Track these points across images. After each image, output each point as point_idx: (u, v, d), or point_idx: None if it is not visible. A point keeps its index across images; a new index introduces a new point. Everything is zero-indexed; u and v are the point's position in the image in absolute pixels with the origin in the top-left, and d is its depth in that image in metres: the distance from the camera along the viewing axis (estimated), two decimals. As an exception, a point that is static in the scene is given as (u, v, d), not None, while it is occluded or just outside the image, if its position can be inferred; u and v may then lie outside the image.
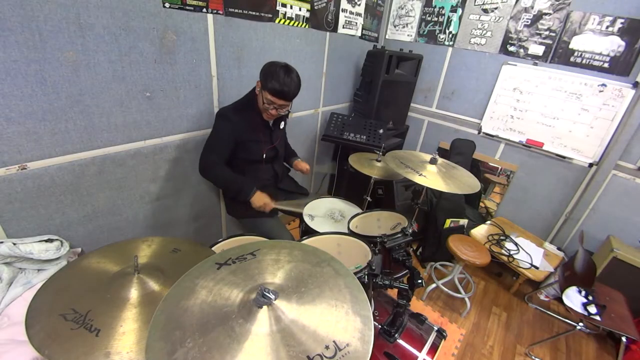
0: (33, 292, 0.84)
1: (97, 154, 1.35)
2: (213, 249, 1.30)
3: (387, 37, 2.94)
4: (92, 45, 1.19)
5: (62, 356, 0.67)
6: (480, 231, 2.49)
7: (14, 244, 1.11)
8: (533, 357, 1.92)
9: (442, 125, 2.89)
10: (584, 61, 2.10)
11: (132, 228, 1.62)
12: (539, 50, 2.24)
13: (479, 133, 2.66)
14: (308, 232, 1.56)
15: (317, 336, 0.63)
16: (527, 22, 2.22)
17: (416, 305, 2.16)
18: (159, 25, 1.35)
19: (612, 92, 2.04)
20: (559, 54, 2.17)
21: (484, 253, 2.03)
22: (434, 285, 2.21)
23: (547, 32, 2.18)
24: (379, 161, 2.03)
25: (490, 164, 2.71)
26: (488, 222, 2.64)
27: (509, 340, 2.02)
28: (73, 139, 1.26)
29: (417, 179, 1.57)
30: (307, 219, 1.61)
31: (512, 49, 2.34)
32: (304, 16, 2.00)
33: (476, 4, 2.39)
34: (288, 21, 1.92)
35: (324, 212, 1.74)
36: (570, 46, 2.12)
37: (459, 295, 2.14)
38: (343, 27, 2.38)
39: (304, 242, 1.36)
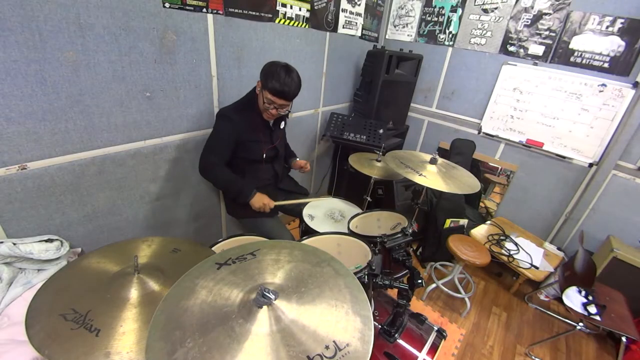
0: (33, 292, 0.84)
1: (97, 154, 1.35)
2: (213, 249, 1.30)
3: (387, 37, 2.94)
4: (92, 45, 1.19)
5: (62, 356, 0.67)
6: (480, 231, 2.49)
7: (14, 244, 1.11)
8: (533, 357, 1.92)
9: (442, 125, 2.89)
10: (584, 61, 2.10)
11: (132, 228, 1.62)
12: (539, 50, 2.24)
13: (479, 133, 2.66)
14: (308, 232, 1.56)
15: (317, 336, 0.63)
16: (527, 22, 2.22)
17: (416, 305, 2.16)
18: (159, 25, 1.35)
19: (612, 92, 2.04)
20: (559, 54, 2.17)
21: (484, 253, 2.03)
22: (434, 285, 2.21)
23: (547, 32, 2.18)
24: (379, 161, 2.03)
25: (490, 164, 2.71)
26: (488, 222, 2.64)
27: (509, 340, 2.02)
28: (73, 139, 1.26)
29: (417, 179, 1.57)
30: (307, 219, 1.61)
31: (512, 49, 2.34)
32: (304, 16, 2.00)
33: (476, 4, 2.39)
34: (288, 21, 1.92)
35: (324, 212, 1.74)
36: (570, 46, 2.12)
37: (459, 295, 2.14)
38: (343, 27, 2.38)
39: (304, 242, 1.36)
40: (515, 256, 2.25)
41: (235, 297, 0.70)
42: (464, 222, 2.45)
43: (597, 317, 1.70)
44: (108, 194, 1.45)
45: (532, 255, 2.27)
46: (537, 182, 2.51)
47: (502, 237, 2.41)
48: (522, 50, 2.30)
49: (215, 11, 1.52)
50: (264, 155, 1.65)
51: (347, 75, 2.74)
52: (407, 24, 2.79)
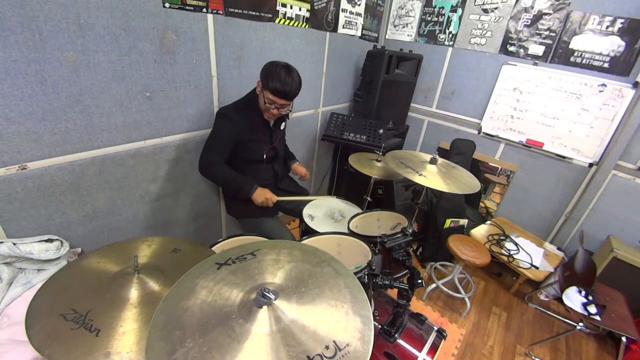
0: (33, 292, 0.84)
1: (97, 154, 1.35)
2: (213, 249, 1.30)
3: (387, 37, 2.94)
4: (92, 45, 1.19)
5: (62, 356, 0.67)
6: (480, 231, 2.49)
7: (14, 244, 1.11)
8: (533, 357, 1.92)
9: (442, 125, 2.89)
10: (584, 61, 2.10)
11: (132, 228, 1.62)
12: (539, 50, 2.24)
13: (479, 133, 2.66)
14: (308, 232, 1.56)
15: (317, 336, 0.63)
16: (527, 22, 2.22)
17: (416, 305, 2.16)
18: (159, 25, 1.35)
19: (612, 92, 2.04)
20: (559, 54, 2.17)
21: (484, 253, 2.03)
22: (434, 285, 2.21)
23: (547, 32, 2.18)
24: (379, 161, 2.03)
25: (490, 164, 2.71)
26: (488, 222, 2.64)
27: (509, 340, 2.02)
28: (73, 139, 1.26)
29: (417, 179, 1.57)
30: (307, 219, 1.61)
31: (512, 49, 2.34)
32: (304, 16, 2.00)
33: (476, 4, 2.39)
34: (288, 21, 1.92)
35: (324, 212, 1.74)
36: (570, 46, 2.12)
37: (459, 295, 2.14)
38: (343, 27, 2.38)
39: (304, 242, 1.36)
40: (515, 256, 2.25)
41: (235, 297, 0.70)
42: (464, 222, 2.45)
43: (597, 317, 1.70)
44: (108, 194, 1.45)
45: (532, 255, 2.27)
46: (537, 182, 2.51)
47: (502, 237, 2.41)
48: (522, 50, 2.30)
49: (215, 11, 1.52)
50: (264, 155, 1.65)
51: (347, 75, 2.74)
52: (407, 24, 2.79)
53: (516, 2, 2.23)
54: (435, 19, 2.62)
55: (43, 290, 0.83)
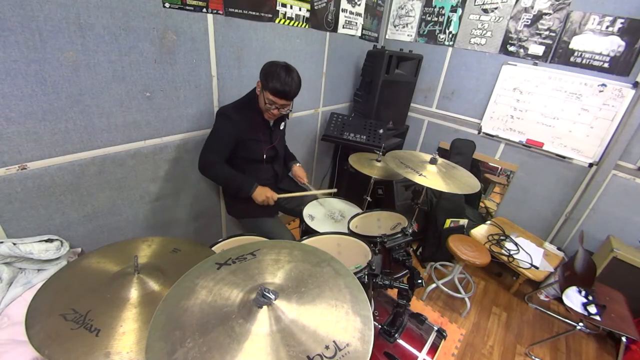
0: (33, 292, 0.84)
1: (97, 154, 1.35)
2: (213, 249, 1.30)
3: (387, 37, 2.94)
4: (92, 45, 1.19)
5: (62, 356, 0.67)
6: (480, 231, 2.49)
7: (14, 244, 1.11)
8: (533, 357, 1.92)
9: (442, 125, 2.89)
10: (584, 61, 2.10)
11: (132, 228, 1.62)
12: (539, 50, 2.24)
13: (479, 133, 2.66)
14: (308, 232, 1.56)
15: (317, 336, 0.63)
16: (527, 22, 2.22)
17: (416, 305, 2.16)
18: (159, 25, 1.35)
19: (612, 92, 2.04)
20: (559, 54, 2.17)
21: (484, 253, 2.03)
22: (434, 285, 2.21)
23: (547, 32, 2.18)
24: (379, 161, 2.03)
25: (490, 164, 2.71)
26: (488, 222, 2.64)
27: (509, 340, 2.02)
28: (73, 139, 1.26)
29: (417, 179, 1.57)
30: (307, 219, 1.61)
31: (512, 49, 2.34)
32: (304, 16, 2.00)
33: (476, 4, 2.39)
34: (288, 21, 1.92)
35: (324, 212, 1.74)
36: (570, 46, 2.12)
37: (459, 295, 2.14)
38: (343, 27, 2.38)
39: (304, 242, 1.36)
40: (515, 256, 2.25)
41: (235, 297, 0.70)
42: (464, 222, 2.45)
43: (597, 317, 1.70)
44: (108, 194, 1.45)
45: (532, 255, 2.27)
46: (537, 182, 2.51)
47: (502, 237, 2.41)
48: (522, 50, 2.30)
49: (215, 11, 1.52)
50: (264, 155, 1.65)
51: (347, 75, 2.74)
52: (407, 24, 2.79)
53: (516, 2, 2.23)
54: (435, 19, 2.62)
55: (43, 290, 0.83)
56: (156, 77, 1.42)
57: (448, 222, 2.37)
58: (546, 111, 2.31)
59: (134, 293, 0.82)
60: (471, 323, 2.10)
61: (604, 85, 2.06)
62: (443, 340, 1.20)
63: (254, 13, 1.70)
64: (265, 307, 0.66)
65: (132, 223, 1.61)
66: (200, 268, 0.79)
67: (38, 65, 1.09)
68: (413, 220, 2.18)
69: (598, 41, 2.03)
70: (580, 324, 1.81)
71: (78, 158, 1.29)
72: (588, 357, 1.99)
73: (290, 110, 1.60)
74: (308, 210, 1.69)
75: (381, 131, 2.41)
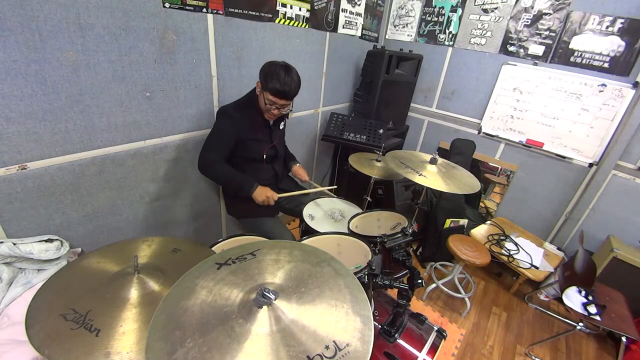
0: (33, 292, 0.84)
1: (97, 154, 1.35)
2: (213, 249, 1.30)
3: (387, 37, 2.94)
4: (92, 45, 1.19)
5: (62, 356, 0.67)
6: (480, 231, 2.49)
7: (14, 244, 1.11)
8: (533, 357, 1.92)
9: (442, 125, 2.89)
10: (584, 61, 2.10)
11: (132, 228, 1.62)
12: (539, 50, 2.24)
13: (479, 133, 2.66)
14: (308, 232, 1.56)
15: (317, 336, 0.63)
16: (527, 22, 2.22)
17: (416, 305, 2.16)
18: (159, 25, 1.35)
19: (612, 92, 2.04)
20: (559, 54, 2.17)
21: (484, 253, 2.03)
22: (434, 285, 2.21)
23: (547, 32, 2.18)
24: (379, 161, 2.03)
25: (490, 164, 2.71)
26: (488, 222, 2.64)
27: (509, 340, 2.02)
28: (73, 139, 1.26)
29: (417, 179, 1.57)
30: (307, 219, 1.61)
31: (512, 49, 2.34)
32: (304, 16, 2.00)
33: (476, 4, 2.39)
34: (288, 21, 1.92)
35: (324, 212, 1.74)
36: (570, 46, 2.12)
37: (459, 295, 2.14)
38: (343, 27, 2.38)
39: (304, 242, 1.36)
40: (515, 256, 2.25)
41: (235, 297, 0.70)
42: (464, 222, 2.45)
43: (597, 317, 1.70)
44: (108, 194, 1.45)
45: (532, 255, 2.27)
46: (537, 182, 2.51)
47: (502, 237, 2.41)
48: (522, 50, 2.30)
49: (215, 11, 1.52)
50: (264, 154, 1.65)
51: (347, 75, 2.74)
52: (407, 24, 2.79)
53: (516, 2, 2.23)
54: (435, 19, 2.62)
55: (43, 290, 0.83)
56: (156, 77, 1.42)
57: (448, 222, 2.37)
58: (546, 111, 2.31)
59: (134, 293, 0.82)
60: (471, 323, 2.10)
61: (604, 85, 2.06)
62: (443, 340, 1.20)
63: (254, 13, 1.70)
64: (265, 307, 0.66)
65: (132, 223, 1.61)
66: (200, 268, 0.79)
67: (38, 65, 1.09)
68: (413, 220, 2.18)
69: (598, 41, 2.03)
70: (580, 324, 1.81)
71: (78, 158, 1.29)
72: (588, 357, 1.99)
73: (291, 110, 1.60)
74: (308, 210, 1.69)
75: (381, 131, 2.41)
